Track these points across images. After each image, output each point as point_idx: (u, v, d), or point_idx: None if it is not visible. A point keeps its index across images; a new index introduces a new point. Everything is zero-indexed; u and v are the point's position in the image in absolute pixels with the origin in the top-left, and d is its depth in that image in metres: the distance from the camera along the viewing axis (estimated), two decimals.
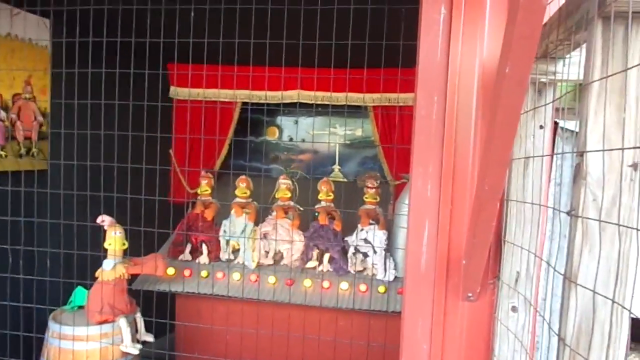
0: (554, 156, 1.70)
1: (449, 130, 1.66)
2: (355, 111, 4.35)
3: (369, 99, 4.00)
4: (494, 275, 1.68)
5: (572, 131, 1.72)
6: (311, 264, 3.40)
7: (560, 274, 1.24)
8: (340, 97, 4.08)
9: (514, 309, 1.63)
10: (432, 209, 1.70)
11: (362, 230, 3.29)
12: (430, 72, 1.67)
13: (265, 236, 3.40)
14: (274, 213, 3.45)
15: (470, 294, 1.66)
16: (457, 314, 1.71)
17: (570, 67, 1.52)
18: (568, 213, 1.04)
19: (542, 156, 1.57)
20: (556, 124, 1.71)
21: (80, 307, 3.00)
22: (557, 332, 1.44)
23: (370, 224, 3.32)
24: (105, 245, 2.90)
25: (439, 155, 1.68)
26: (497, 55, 1.65)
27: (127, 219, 2.79)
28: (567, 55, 1.48)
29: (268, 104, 4.26)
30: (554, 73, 1.54)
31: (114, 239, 2.88)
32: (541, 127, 1.58)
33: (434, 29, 1.66)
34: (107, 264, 2.87)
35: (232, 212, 3.43)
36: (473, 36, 1.62)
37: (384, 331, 2.55)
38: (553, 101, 1.37)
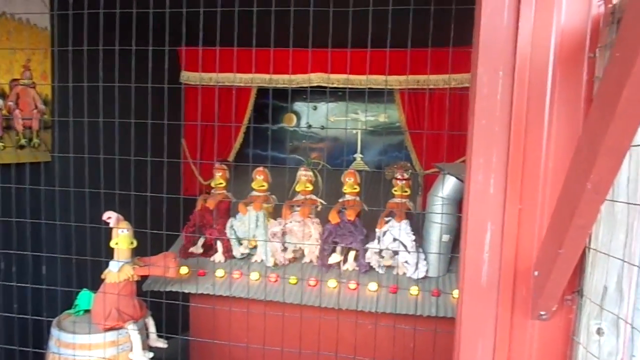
0: None
1: (518, 113, 1.35)
2: (379, 95, 4.04)
3: (395, 81, 3.67)
4: (572, 289, 1.38)
5: None
6: (335, 257, 3.10)
7: None
8: (362, 80, 3.77)
9: (600, 331, 1.33)
10: (496, 208, 1.40)
11: (384, 233, 2.99)
12: (494, 41, 1.36)
13: (275, 235, 3.11)
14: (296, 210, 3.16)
15: (543, 312, 1.37)
16: (526, 335, 1.42)
17: None
18: None
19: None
20: None
21: (87, 311, 2.76)
22: None
23: (386, 221, 3.02)
24: (112, 244, 2.64)
25: (505, 143, 1.37)
26: (580, 18, 1.34)
27: (138, 215, 2.51)
28: None
29: (285, 89, 3.96)
30: None
31: (121, 237, 2.62)
32: None
33: None
34: (114, 265, 2.62)
35: (239, 212, 3.17)
36: None
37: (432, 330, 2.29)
38: None
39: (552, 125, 1.34)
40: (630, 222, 1.26)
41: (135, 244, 2.68)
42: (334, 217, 3.06)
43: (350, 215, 3.06)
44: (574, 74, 1.32)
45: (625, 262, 1.20)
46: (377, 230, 3.06)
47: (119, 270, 2.61)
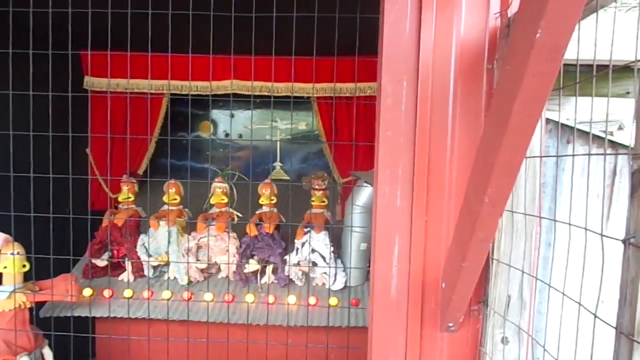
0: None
1: (422, 125, 1.34)
2: (298, 103, 3.99)
3: (311, 89, 3.64)
4: (478, 299, 1.39)
5: (557, 122, 1.46)
6: (252, 266, 2.97)
7: (586, 307, 0.95)
8: (280, 88, 3.70)
9: (504, 339, 1.35)
10: (403, 221, 1.37)
11: (302, 244, 2.93)
12: (397, 50, 1.34)
13: (189, 252, 2.96)
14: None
15: (451, 324, 1.36)
16: (436, 347, 1.41)
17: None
18: (625, 241, 0.73)
19: (538, 156, 1.28)
20: None
21: None
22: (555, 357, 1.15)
23: (305, 232, 2.97)
24: (0, 269, 2.37)
25: (411, 154, 1.36)
26: (478, 29, 1.36)
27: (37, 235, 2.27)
28: None
29: (200, 96, 3.80)
30: None
31: (10, 261, 2.36)
32: None
33: None
34: (2, 293, 2.35)
35: (150, 228, 2.99)
36: (449, 5, 1.31)
37: (344, 347, 2.24)
38: (564, 87, 1.07)
39: (454, 136, 1.34)
40: (529, 231, 1.28)
41: (27, 267, 2.43)
42: (251, 230, 2.97)
43: (268, 228, 2.98)
44: (474, 85, 1.33)
45: (525, 272, 1.21)
46: (296, 241, 3.00)
47: (8, 297, 2.35)
